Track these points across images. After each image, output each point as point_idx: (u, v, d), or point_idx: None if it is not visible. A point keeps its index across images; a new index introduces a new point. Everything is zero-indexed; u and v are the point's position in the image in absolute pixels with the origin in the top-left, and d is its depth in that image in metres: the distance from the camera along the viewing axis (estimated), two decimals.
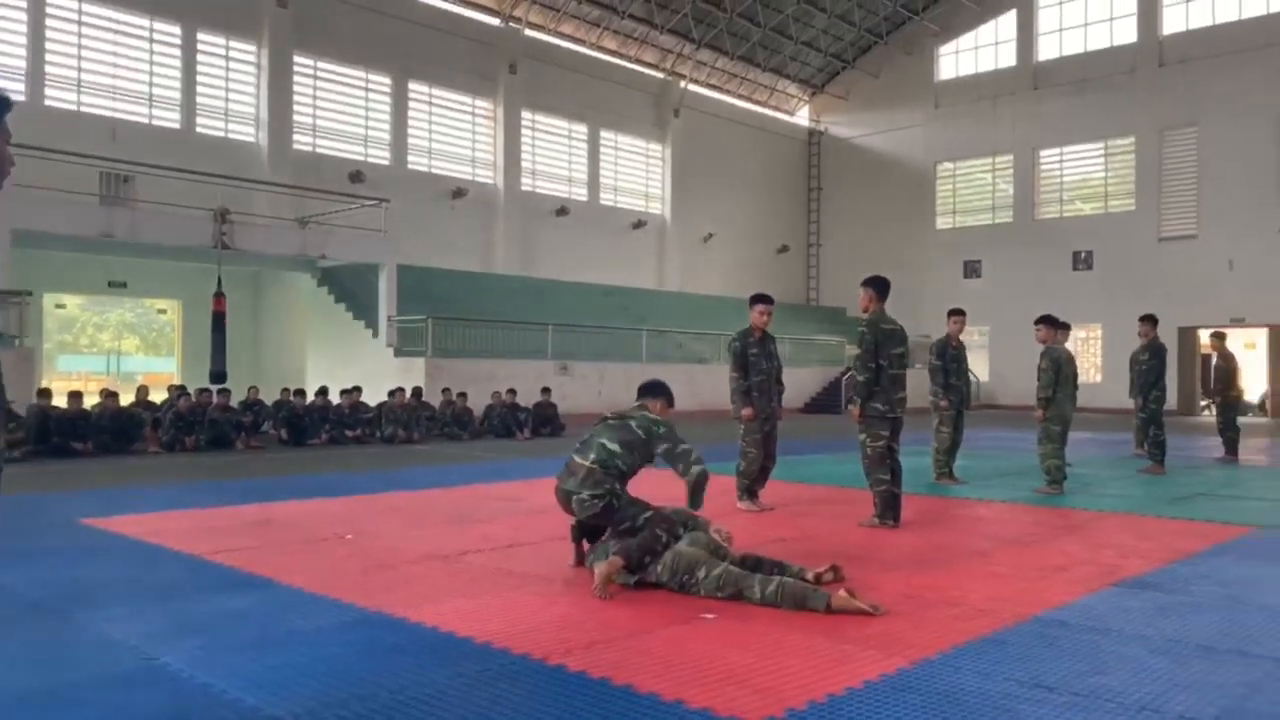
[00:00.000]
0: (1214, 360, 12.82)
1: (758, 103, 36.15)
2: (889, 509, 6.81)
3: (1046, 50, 32.06)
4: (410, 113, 25.47)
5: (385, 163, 24.92)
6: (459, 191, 26.09)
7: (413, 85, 25.48)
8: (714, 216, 33.94)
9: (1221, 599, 4.62)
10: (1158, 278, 28.87)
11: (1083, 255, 30.86)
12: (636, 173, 31.56)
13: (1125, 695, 3.28)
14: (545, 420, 16.50)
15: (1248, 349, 30.86)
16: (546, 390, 17.14)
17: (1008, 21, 32.65)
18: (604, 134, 30.30)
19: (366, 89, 24.60)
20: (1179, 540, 6.24)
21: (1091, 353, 30.78)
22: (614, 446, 5.20)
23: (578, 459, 5.23)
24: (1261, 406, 28.99)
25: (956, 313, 10.01)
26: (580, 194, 29.66)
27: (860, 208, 36.49)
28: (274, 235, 18.87)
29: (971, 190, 34.40)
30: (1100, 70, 30.62)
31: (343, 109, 24.16)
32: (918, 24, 34.05)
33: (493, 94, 27.12)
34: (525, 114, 27.94)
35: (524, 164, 27.95)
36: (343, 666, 3.58)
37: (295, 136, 23.10)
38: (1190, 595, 4.68)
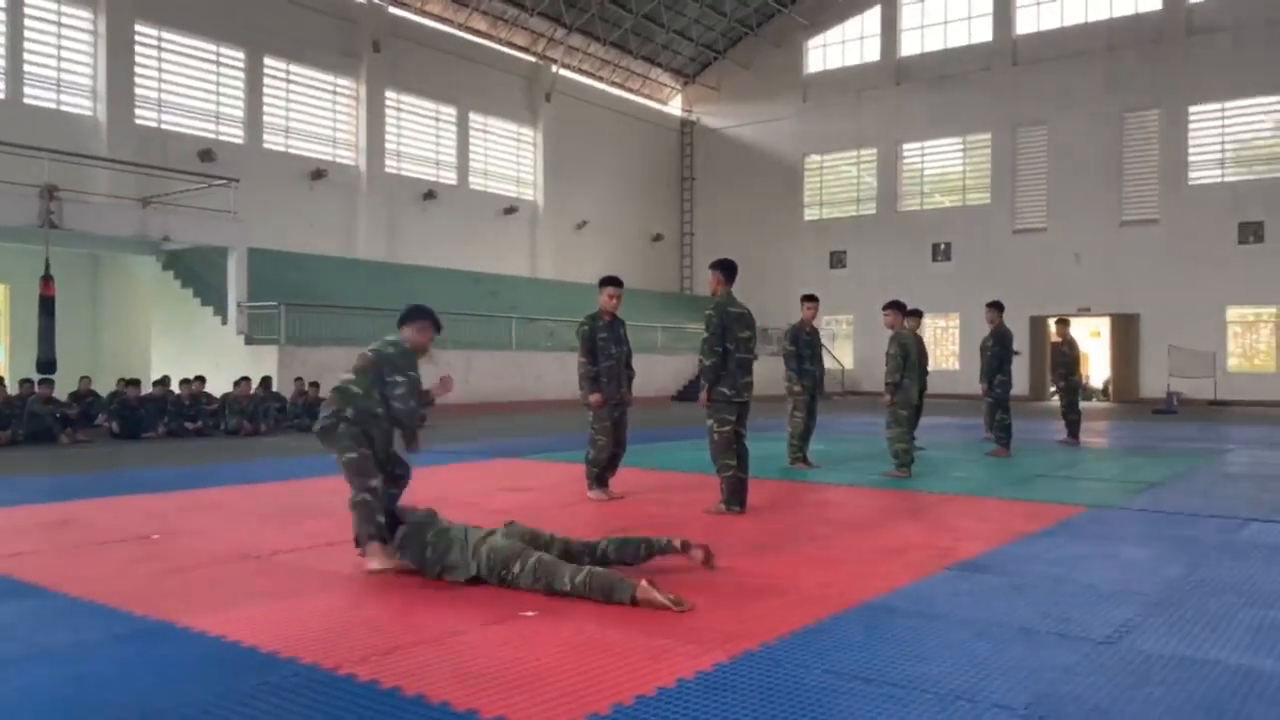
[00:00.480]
0: (1059, 346, 13.28)
1: (631, 91, 36.02)
2: (735, 495, 6.69)
3: (909, 46, 32.96)
4: (266, 90, 24.25)
5: (239, 141, 23.66)
6: (319, 173, 25.04)
7: (269, 61, 24.26)
8: (588, 204, 33.66)
9: (1047, 580, 4.62)
10: (1011, 269, 30.10)
11: (942, 247, 31.91)
12: (508, 157, 30.99)
13: (943, 684, 3.17)
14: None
15: (1093, 337, 32.61)
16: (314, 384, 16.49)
17: (873, 17, 33.42)
18: (474, 117, 29.61)
19: (218, 63, 23.27)
20: (1015, 522, 6.30)
21: (950, 341, 31.89)
22: (347, 374, 5.11)
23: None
24: (1105, 391, 30.59)
25: (809, 299, 10.02)
26: (449, 178, 28.92)
27: (732, 198, 36.83)
28: (110, 215, 17.60)
29: (838, 182, 35.14)
30: (959, 67, 31.67)
31: (192, 83, 22.80)
32: (787, 17, 34.51)
33: (355, 73, 26.11)
34: (390, 94, 27.03)
35: (389, 146, 27.04)
36: (94, 687, 3.16)
37: (138, 111, 21.67)
38: (1018, 577, 4.67)
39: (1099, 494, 7.67)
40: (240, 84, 23.72)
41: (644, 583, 4.11)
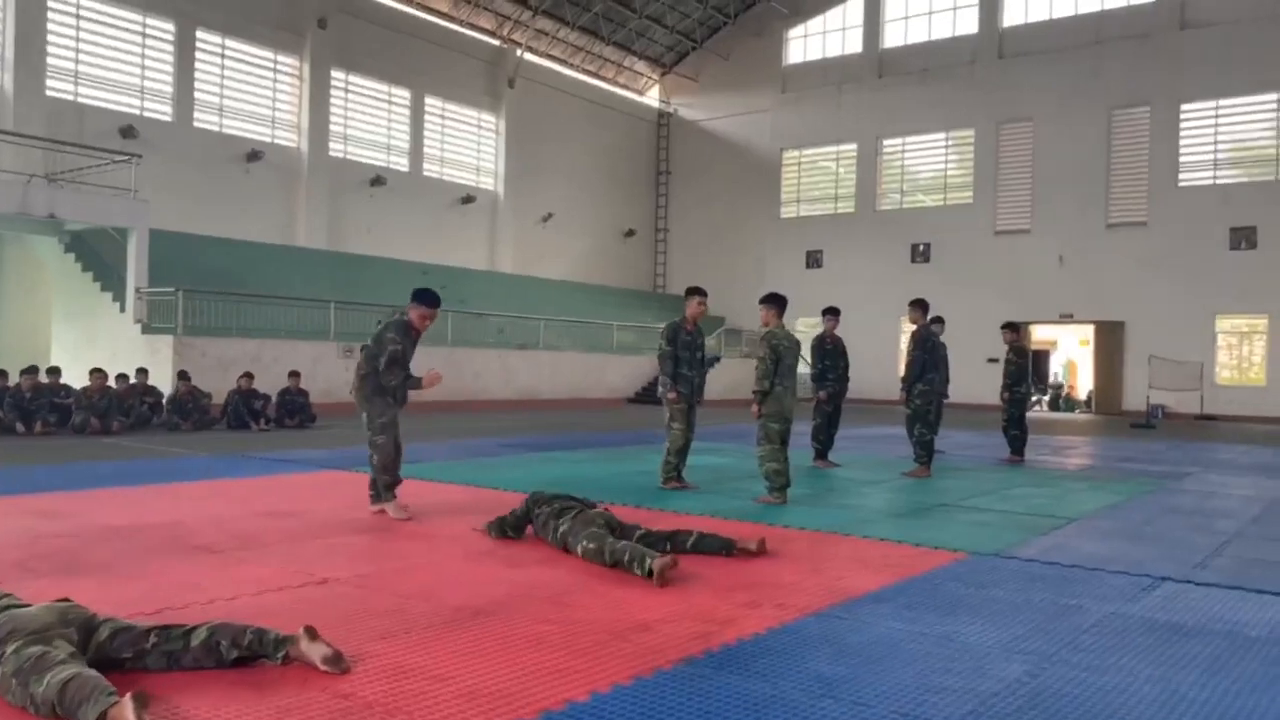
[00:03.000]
0: (1005, 354, 11.86)
1: (605, 79, 34.61)
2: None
3: (892, 38, 31.52)
4: (198, 64, 22.90)
5: (166, 119, 22.31)
6: (255, 154, 23.68)
7: (201, 34, 22.90)
8: (555, 196, 32.26)
9: (805, 692, 3.19)
10: (992, 271, 28.65)
11: (921, 247, 30.46)
12: (466, 144, 29.59)
13: None
14: (293, 409, 14.51)
15: (1082, 345, 31.13)
16: (295, 374, 15.10)
17: (855, 7, 31.98)
18: (430, 101, 28.22)
19: (143, 34, 21.92)
20: (857, 575, 4.88)
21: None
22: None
23: None
24: (1088, 403, 29.12)
25: (694, 291, 8.62)
26: (400, 164, 27.53)
27: (709, 194, 35.40)
28: None
29: (816, 179, 33.70)
30: (943, 60, 30.22)
31: (112, 55, 21.44)
32: (766, 5, 33.07)
33: (298, 50, 24.74)
34: (336, 74, 25.66)
35: (334, 128, 25.67)
36: None
37: (50, 82, 20.34)
38: (772, 682, 3.23)
39: (993, 534, 6.24)
40: (169, 58, 22.36)
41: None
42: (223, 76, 23.40)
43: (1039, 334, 32.71)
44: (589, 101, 33.54)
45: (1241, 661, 3.58)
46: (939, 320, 12.63)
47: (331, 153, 25.53)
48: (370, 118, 26.81)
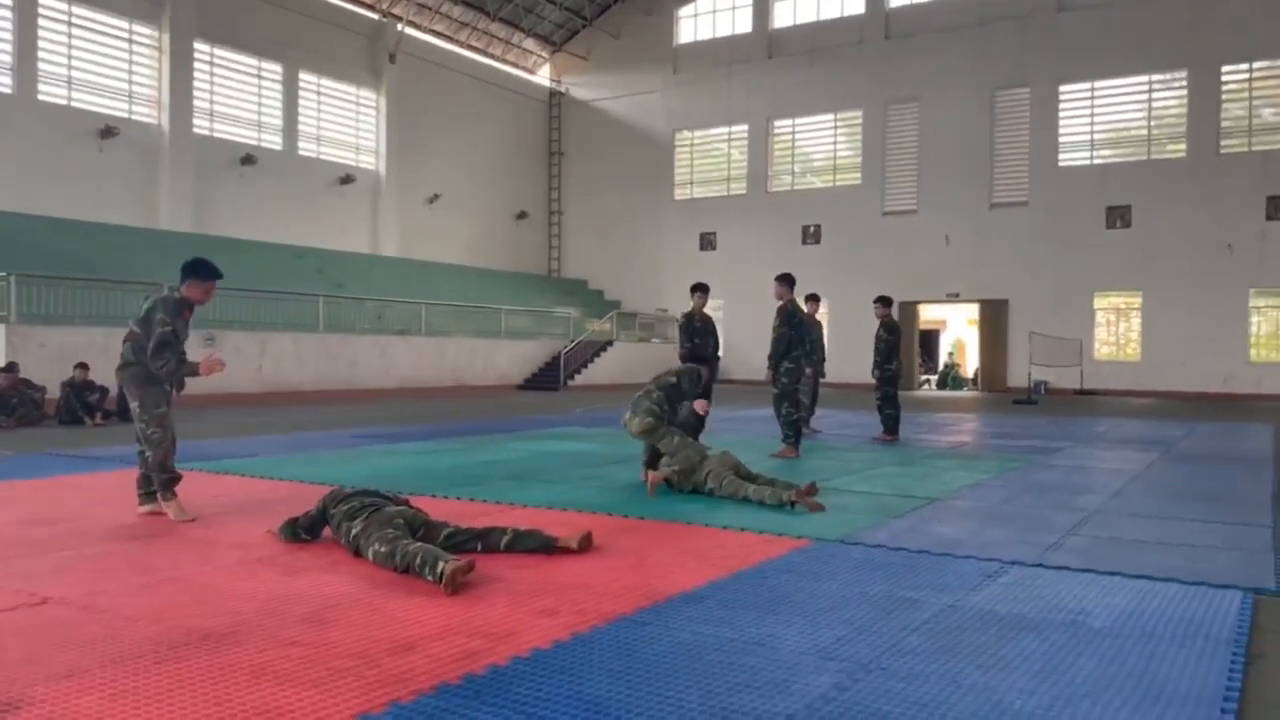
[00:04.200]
0: (877, 330, 11.61)
1: (494, 57, 33.63)
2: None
3: (781, 18, 31.37)
4: (41, 32, 21.20)
5: (6, 91, 20.61)
6: (109, 130, 22.09)
7: (43, 0, 21.20)
8: (442, 176, 31.20)
9: (580, 713, 2.66)
10: (881, 252, 28.82)
11: (811, 229, 30.46)
12: (345, 122, 28.32)
13: None
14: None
15: (970, 325, 31.64)
16: (82, 365, 13.91)
17: None
18: (304, 76, 26.87)
19: None
20: (679, 571, 4.38)
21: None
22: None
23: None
24: (974, 381, 29.59)
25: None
26: (273, 142, 26.14)
27: (602, 175, 34.81)
28: None
29: (709, 160, 33.43)
30: (831, 41, 30.20)
31: None
32: None
33: (156, 19, 23.18)
34: (200, 46, 24.15)
35: (199, 104, 24.17)
36: None
37: None
38: (527, 717, 2.69)
39: (845, 518, 5.84)
40: (9, 24, 20.63)
41: None
42: (70, 46, 21.73)
43: (929, 313, 33.19)
44: (477, 79, 32.53)
45: (1078, 660, 3.19)
46: (814, 298, 12.40)
47: (196, 130, 24.04)
48: (239, 93, 25.35)
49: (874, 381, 11.43)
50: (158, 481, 5.64)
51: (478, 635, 3.36)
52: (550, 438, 11.10)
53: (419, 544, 4.28)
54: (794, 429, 9.17)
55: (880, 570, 4.47)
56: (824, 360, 12.27)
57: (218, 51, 24.66)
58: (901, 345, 11.93)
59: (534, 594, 3.93)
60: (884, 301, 11.70)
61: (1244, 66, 24.85)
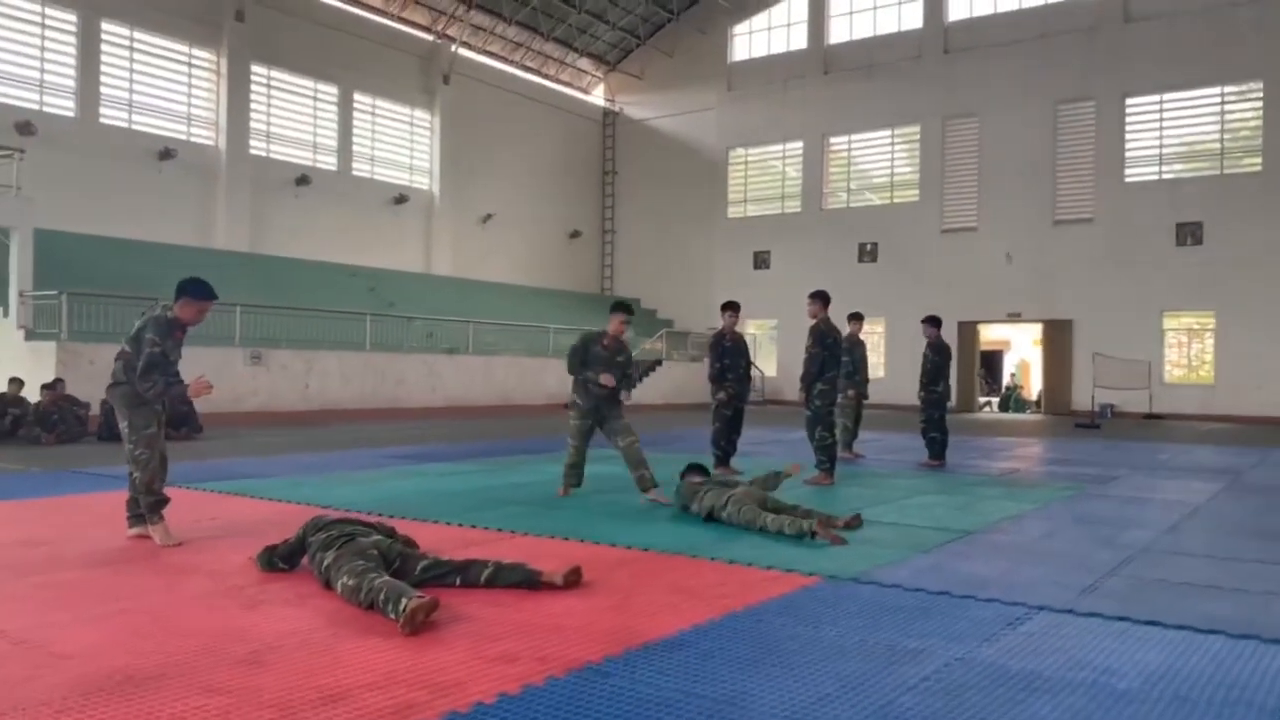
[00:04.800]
0: (924, 350, 11.11)
1: (548, 77, 33.74)
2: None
3: (837, 33, 30.94)
4: (104, 58, 21.77)
5: (69, 114, 21.15)
6: (167, 152, 22.54)
7: (106, 25, 21.77)
8: (495, 196, 31.32)
9: None
10: (939, 270, 28.10)
11: (868, 247, 29.85)
12: (399, 143, 28.58)
13: None
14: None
15: (1035, 345, 30.64)
16: None
17: (800, 2, 31.35)
18: (358, 97, 27.20)
19: (43, 25, 20.75)
20: (667, 612, 4.04)
21: (874, 348, 29.78)
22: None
23: None
24: (1038, 403, 28.63)
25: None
26: (328, 163, 26.47)
27: (656, 193, 34.64)
28: None
29: (763, 178, 33.04)
30: (888, 56, 29.66)
31: (8, 48, 20.25)
32: (710, 1, 32.37)
33: (215, 43, 23.65)
34: (257, 68, 24.59)
35: (255, 125, 24.59)
36: None
37: None
38: None
39: (866, 552, 5.43)
40: (72, 49, 21.20)
41: None
42: (131, 70, 22.26)
43: (992, 334, 32.27)
44: (530, 99, 32.64)
45: None
46: (857, 316, 11.96)
47: (252, 151, 24.44)
48: (294, 115, 25.74)
49: (919, 404, 10.91)
50: (144, 504, 5.48)
51: (421, 685, 3.06)
52: (595, 460, 10.78)
53: (386, 579, 4.00)
54: (828, 454, 8.75)
55: (890, 614, 4.07)
56: (867, 381, 11.80)
57: (274, 74, 25.07)
58: (951, 367, 11.37)
59: (499, 636, 3.63)
60: (932, 322, 11.19)
61: None
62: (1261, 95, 24.28)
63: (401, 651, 3.41)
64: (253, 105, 24.46)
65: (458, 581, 4.39)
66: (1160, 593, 4.58)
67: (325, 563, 4.34)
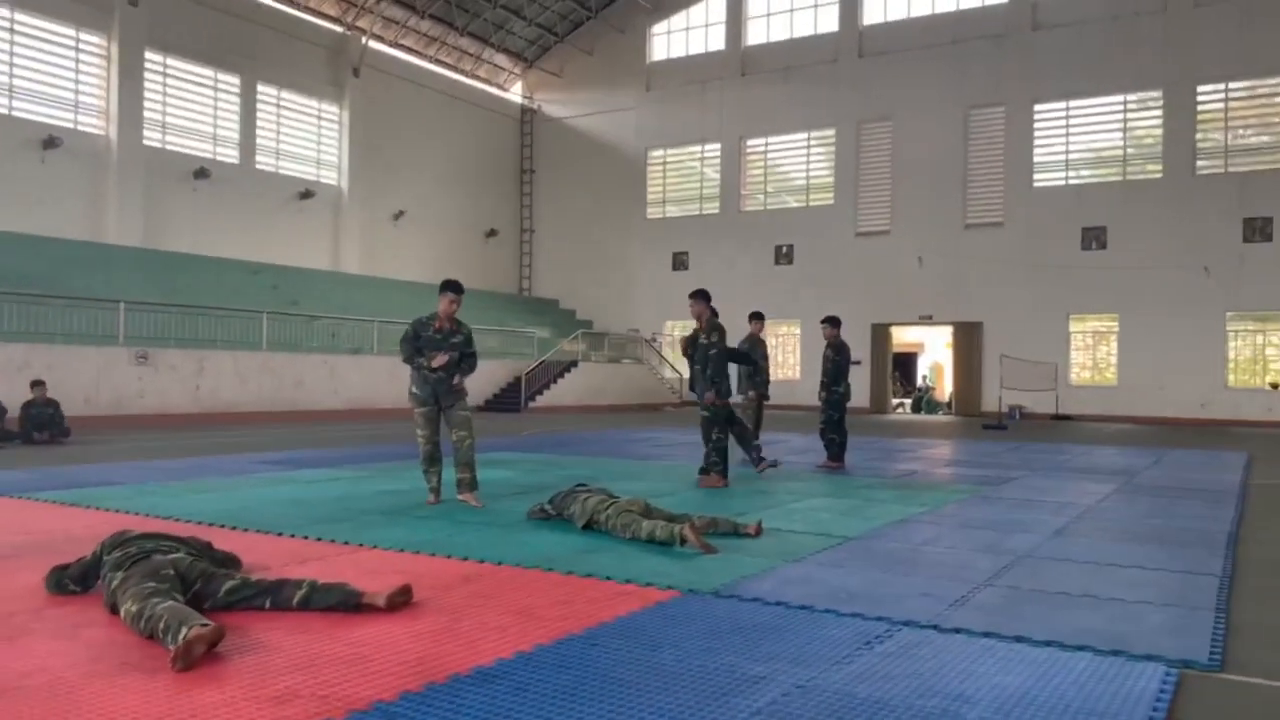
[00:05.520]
0: (824, 350, 10.89)
1: (464, 73, 33.07)
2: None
3: (755, 35, 30.92)
4: None
5: None
6: (51, 141, 21.35)
7: None
8: (407, 193, 30.55)
9: None
10: (854, 273, 28.23)
11: (785, 249, 29.86)
12: (306, 136, 27.65)
13: None
14: (40, 423, 12.60)
15: (948, 348, 30.97)
16: (39, 384, 13.10)
17: (718, 3, 31.29)
18: (262, 88, 26.22)
19: None
20: (492, 636, 3.64)
21: (790, 349, 29.85)
22: None
23: None
24: (949, 405, 28.95)
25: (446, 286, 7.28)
26: (229, 155, 25.43)
27: (575, 193, 34.21)
28: None
29: (682, 179, 32.86)
30: (805, 59, 29.74)
31: None
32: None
33: (105, 27, 22.52)
34: (152, 55, 23.50)
35: (150, 115, 23.48)
36: None
37: None
38: None
39: (733, 562, 5.10)
40: None
41: None
42: (12, 54, 21.04)
43: (907, 336, 32.60)
44: (445, 95, 31.94)
45: None
46: (757, 316, 11.70)
47: (147, 142, 23.34)
48: (193, 105, 24.68)
49: (820, 405, 10.69)
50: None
51: None
52: (479, 465, 10.30)
53: (170, 604, 3.51)
54: (721, 456, 8.45)
55: (741, 633, 3.73)
56: (768, 382, 11.54)
57: (170, 61, 24.00)
58: (852, 367, 11.16)
59: (287, 670, 3.18)
60: (832, 321, 10.95)
61: (1220, 87, 24.41)
62: (1161, 104, 24.89)
63: (160, 693, 2.94)
64: (147, 94, 23.36)
65: (267, 604, 3.92)
66: (1033, 604, 4.33)
67: (113, 584, 3.84)
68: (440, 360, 7.11)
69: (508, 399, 25.21)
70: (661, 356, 31.20)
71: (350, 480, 8.75)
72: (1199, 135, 24.55)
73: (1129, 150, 25.61)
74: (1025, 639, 3.72)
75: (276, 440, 13.77)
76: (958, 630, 3.84)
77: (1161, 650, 3.60)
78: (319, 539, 5.66)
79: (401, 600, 4.01)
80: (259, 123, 26.17)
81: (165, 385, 17.53)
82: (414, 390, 7.22)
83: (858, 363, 27.55)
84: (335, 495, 7.68)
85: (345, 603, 3.93)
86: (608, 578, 4.68)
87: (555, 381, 26.31)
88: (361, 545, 5.49)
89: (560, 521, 6.25)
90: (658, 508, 6.06)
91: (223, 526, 6.02)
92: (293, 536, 5.73)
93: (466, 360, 7.26)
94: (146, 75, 23.33)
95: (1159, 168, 24.95)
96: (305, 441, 13.58)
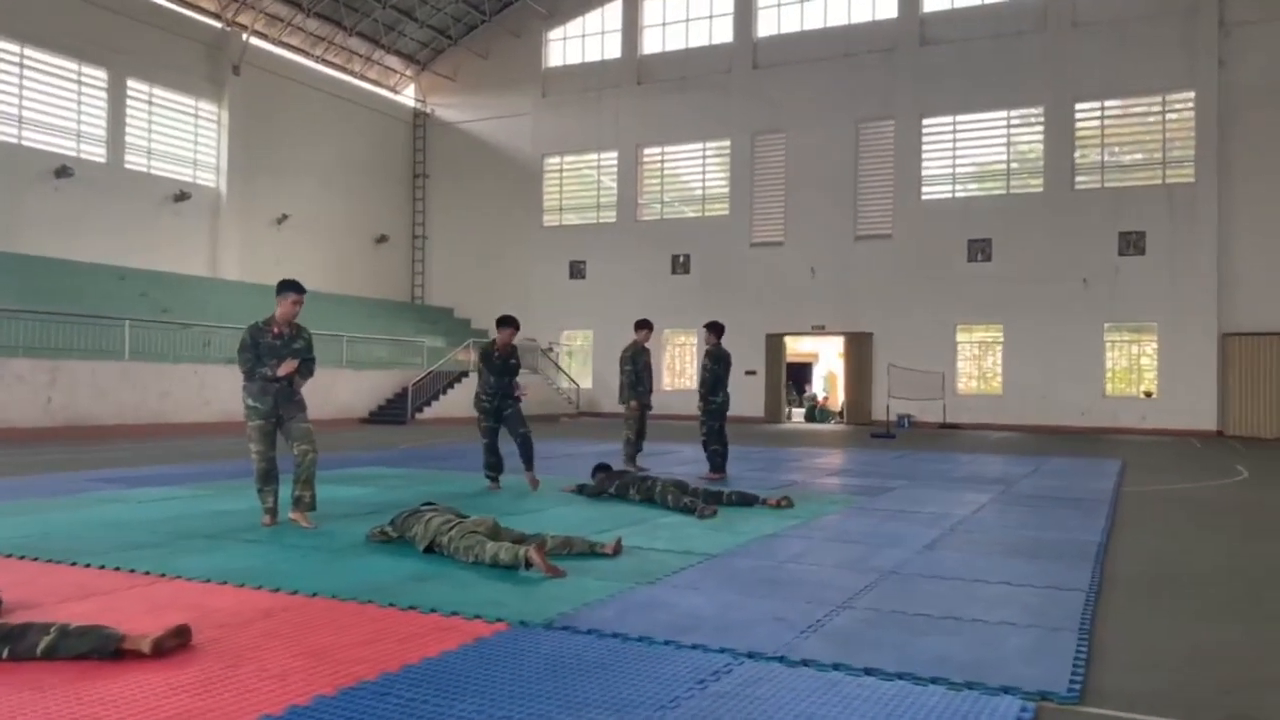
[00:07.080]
0: (703, 360, 10.59)
1: (353, 74, 32.02)
2: None
3: (651, 44, 30.76)
4: None
5: None
6: None
7: None
8: (292, 196, 29.33)
9: None
10: (750, 283, 28.23)
11: (681, 258, 29.71)
12: (182, 136, 26.27)
13: None
14: None
15: (840, 357, 31.25)
16: None
17: (614, 11, 31.02)
18: (132, 83, 24.78)
19: None
20: (271, 684, 3.12)
21: (687, 359, 29.70)
22: None
23: None
24: (841, 414, 29.18)
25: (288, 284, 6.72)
26: (95, 153, 23.95)
27: (469, 199, 33.43)
28: None
29: (578, 186, 32.45)
30: (700, 69, 29.69)
31: None
32: (524, 4, 31.61)
33: None
34: (7, 45, 21.97)
35: (4, 109, 21.94)
36: None
37: None
38: None
39: (578, 586, 4.67)
40: None
41: None
42: None
43: (802, 346, 32.84)
44: (333, 96, 30.85)
45: None
46: (644, 324, 11.34)
47: (2, 137, 21.78)
48: (53, 99, 23.14)
49: (699, 415, 10.37)
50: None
51: None
52: (333, 481, 9.67)
53: None
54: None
55: (561, 674, 3.30)
56: (650, 391, 11.18)
57: (28, 52, 22.47)
58: (730, 375, 10.85)
59: None
60: (714, 329, 10.65)
61: (1096, 105, 25.21)
62: (1042, 120, 25.59)
63: None
64: (2, 86, 21.81)
65: (4, 654, 3.32)
66: (890, 629, 4.02)
67: None
68: (286, 369, 6.53)
69: (393, 410, 24.35)
70: (558, 367, 30.69)
71: (186, 500, 8.03)
72: (1078, 152, 25.32)
73: (1012, 165, 26.25)
74: (876, 671, 3.39)
75: (128, 456, 12.82)
76: (805, 662, 3.49)
77: (1019, 680, 3.31)
78: (117, 569, 5.02)
79: (174, 644, 3.46)
80: (129, 120, 24.74)
81: (10, 397, 16.25)
82: (251, 403, 6.61)
83: (753, 373, 27.81)
84: (163, 516, 6.98)
85: (101, 649, 3.36)
86: (432, 609, 4.19)
87: (445, 392, 25.54)
88: (164, 575, 4.87)
89: (403, 544, 5.74)
90: (507, 528, 5.61)
91: (9, 556, 5.32)
92: (88, 566, 5.07)
93: (305, 365, 6.69)
94: (2, 66, 21.79)
95: (1040, 182, 25.62)
96: (160, 457, 12.66)
